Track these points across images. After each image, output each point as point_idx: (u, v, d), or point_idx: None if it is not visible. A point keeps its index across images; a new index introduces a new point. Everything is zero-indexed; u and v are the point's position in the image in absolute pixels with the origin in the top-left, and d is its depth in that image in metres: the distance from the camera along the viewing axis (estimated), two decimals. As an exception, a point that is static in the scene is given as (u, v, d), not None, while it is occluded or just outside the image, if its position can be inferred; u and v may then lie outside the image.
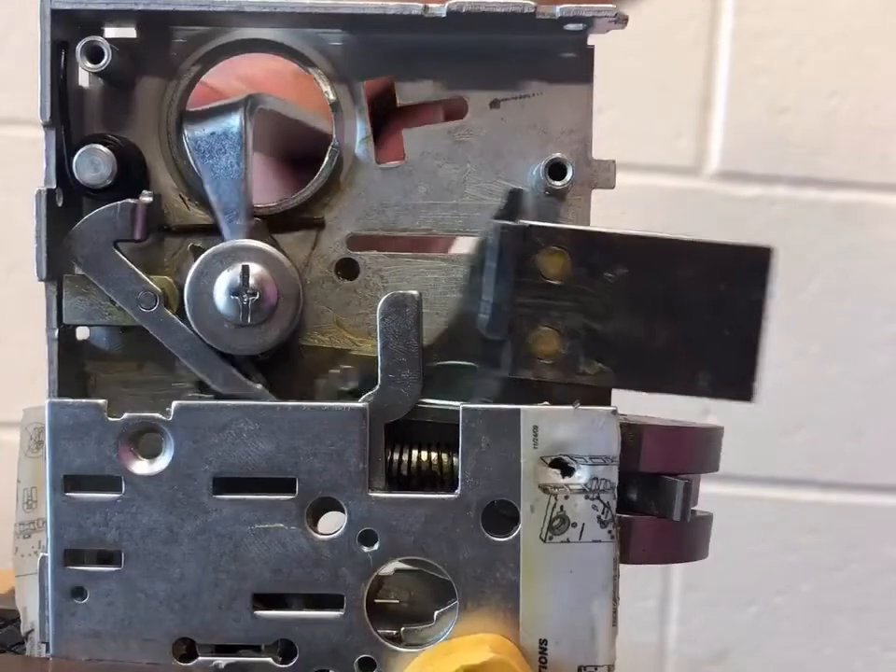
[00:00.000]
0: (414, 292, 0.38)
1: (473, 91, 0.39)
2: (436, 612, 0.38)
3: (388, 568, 0.40)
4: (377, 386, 0.38)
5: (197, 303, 0.37)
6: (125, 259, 0.37)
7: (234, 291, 0.37)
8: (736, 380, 0.38)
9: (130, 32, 0.39)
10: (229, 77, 0.42)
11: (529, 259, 0.37)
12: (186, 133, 0.38)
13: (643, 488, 0.39)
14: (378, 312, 0.37)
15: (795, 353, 0.90)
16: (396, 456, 0.38)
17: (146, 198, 0.38)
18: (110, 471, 0.37)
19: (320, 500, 0.38)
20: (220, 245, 0.37)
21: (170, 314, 0.38)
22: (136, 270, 0.37)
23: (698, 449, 0.41)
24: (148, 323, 0.38)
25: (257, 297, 0.37)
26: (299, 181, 0.43)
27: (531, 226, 0.38)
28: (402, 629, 0.38)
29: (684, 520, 0.38)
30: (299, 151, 0.47)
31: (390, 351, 0.38)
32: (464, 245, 0.40)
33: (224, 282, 0.37)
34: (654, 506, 0.39)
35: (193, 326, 0.37)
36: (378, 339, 0.38)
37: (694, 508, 0.40)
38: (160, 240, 0.39)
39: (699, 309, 0.37)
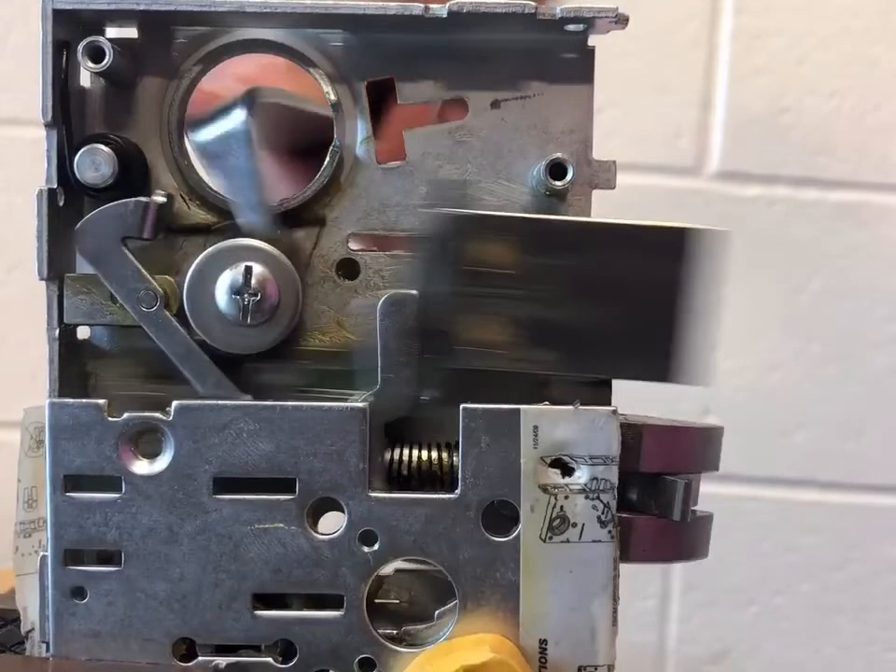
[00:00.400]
0: (414, 292, 0.38)
1: (474, 91, 0.39)
2: (436, 612, 0.38)
3: (388, 568, 0.40)
4: (377, 386, 0.38)
5: (196, 301, 0.37)
6: (131, 256, 0.37)
7: (236, 291, 0.37)
8: (668, 361, 0.38)
9: (131, 32, 0.39)
10: (225, 79, 0.42)
11: (470, 249, 0.37)
12: (190, 140, 0.38)
13: (643, 488, 0.39)
14: (378, 312, 0.37)
15: (795, 353, 0.90)
16: (394, 456, 0.38)
17: (159, 198, 0.38)
18: (110, 471, 0.37)
19: (320, 500, 0.38)
20: (221, 243, 0.37)
21: (168, 315, 0.38)
22: (140, 268, 0.37)
23: (698, 449, 0.41)
24: (146, 322, 0.38)
25: (258, 297, 0.37)
26: (305, 172, 0.43)
27: (469, 215, 0.38)
28: (402, 629, 0.38)
29: (684, 520, 0.38)
30: (302, 142, 0.47)
31: (390, 351, 0.38)
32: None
33: (226, 281, 0.37)
34: (654, 506, 0.39)
35: (192, 323, 0.37)
36: (378, 339, 0.38)
37: (695, 508, 0.40)
38: (163, 240, 0.39)
39: (643, 293, 0.38)
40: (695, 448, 0.41)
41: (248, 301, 0.37)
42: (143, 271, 0.37)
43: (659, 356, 0.38)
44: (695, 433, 0.41)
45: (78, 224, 0.37)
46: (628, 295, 0.38)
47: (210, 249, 0.37)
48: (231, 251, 0.37)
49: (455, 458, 0.38)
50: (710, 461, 0.41)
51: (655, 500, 0.39)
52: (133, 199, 0.37)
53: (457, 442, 0.38)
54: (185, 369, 0.38)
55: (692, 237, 0.38)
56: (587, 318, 0.38)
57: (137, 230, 0.37)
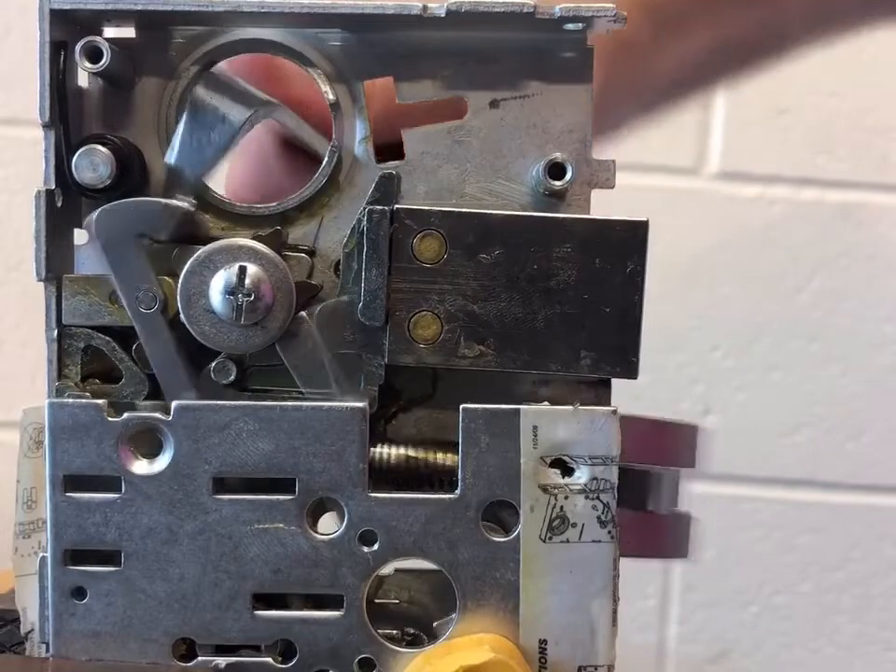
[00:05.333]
0: (303, 313, 0.38)
1: (473, 90, 0.39)
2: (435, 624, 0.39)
3: (388, 568, 0.40)
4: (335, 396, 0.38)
5: (190, 301, 0.37)
6: (143, 254, 0.37)
7: (230, 291, 0.37)
8: (618, 357, 0.38)
9: (129, 32, 0.39)
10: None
11: (402, 243, 0.37)
12: (198, 85, 0.38)
13: (619, 481, 0.39)
14: (278, 349, 0.38)
15: (795, 353, 0.90)
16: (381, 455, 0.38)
17: (186, 204, 0.38)
18: (110, 471, 0.37)
19: (320, 500, 0.38)
20: (215, 243, 0.37)
21: (163, 321, 0.37)
22: (149, 268, 0.37)
23: (673, 443, 0.41)
24: (139, 322, 0.37)
25: (252, 298, 0.37)
26: (299, 166, 0.43)
27: (399, 209, 0.38)
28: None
29: (658, 511, 0.38)
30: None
31: (306, 377, 0.38)
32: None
33: (220, 281, 0.37)
34: (629, 498, 0.39)
35: (185, 322, 0.37)
36: (292, 372, 0.38)
37: (674, 508, 0.40)
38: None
39: (576, 286, 0.37)
40: (671, 442, 0.41)
41: (242, 301, 0.37)
42: (150, 271, 0.37)
43: (591, 349, 0.38)
44: (670, 428, 0.41)
45: (102, 207, 0.37)
46: (559, 288, 0.38)
47: (204, 249, 0.37)
48: (226, 251, 0.37)
49: (439, 456, 0.38)
50: (686, 458, 0.41)
51: (630, 492, 0.39)
52: (161, 199, 0.37)
53: (443, 441, 0.38)
54: (161, 377, 0.38)
55: (628, 228, 0.38)
56: (519, 312, 0.38)
57: (156, 230, 0.37)
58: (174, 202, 0.37)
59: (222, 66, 0.39)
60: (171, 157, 0.38)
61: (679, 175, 0.89)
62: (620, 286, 0.38)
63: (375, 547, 0.37)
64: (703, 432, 0.42)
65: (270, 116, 0.40)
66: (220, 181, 0.41)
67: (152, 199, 0.37)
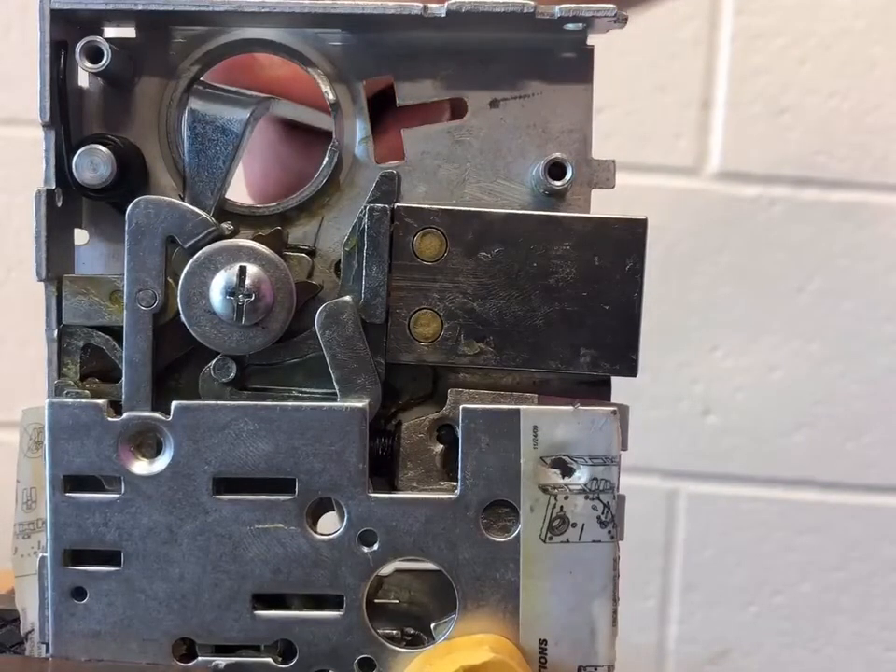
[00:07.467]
0: (347, 298, 0.38)
1: (473, 90, 0.39)
2: (433, 625, 0.39)
3: (388, 568, 0.40)
4: (338, 399, 0.38)
5: (191, 300, 0.37)
6: (163, 255, 0.37)
7: (230, 291, 0.37)
8: (618, 354, 0.38)
9: (129, 32, 0.39)
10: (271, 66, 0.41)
11: (403, 241, 0.38)
12: (190, 104, 0.38)
13: None
14: (316, 326, 0.37)
15: (795, 353, 0.90)
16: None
17: (227, 227, 0.38)
18: (110, 471, 0.37)
19: (320, 500, 0.38)
20: (215, 244, 0.37)
21: (152, 325, 0.37)
22: (162, 269, 0.37)
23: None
24: (131, 318, 0.37)
25: (252, 298, 0.37)
26: (308, 144, 0.43)
27: (399, 207, 0.38)
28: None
29: None
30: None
31: (339, 361, 0.38)
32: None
33: (220, 281, 0.37)
34: None
35: (186, 323, 0.37)
36: (325, 353, 0.38)
37: None
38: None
39: (576, 284, 0.38)
40: None
41: (242, 301, 0.37)
42: (163, 273, 0.37)
43: (590, 347, 0.38)
44: None
45: (144, 196, 0.37)
46: (558, 286, 0.38)
47: (204, 250, 0.37)
48: (226, 252, 0.37)
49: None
50: None
51: None
52: (203, 215, 0.37)
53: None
54: (126, 375, 0.38)
55: (613, 227, 0.38)
56: (518, 310, 0.38)
57: (185, 239, 0.37)
58: (212, 218, 0.37)
59: (207, 79, 0.39)
60: (187, 181, 0.38)
61: (679, 175, 0.89)
62: (619, 283, 0.38)
63: (375, 547, 0.37)
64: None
65: (266, 112, 0.40)
66: (241, 189, 0.41)
67: (196, 210, 0.37)
